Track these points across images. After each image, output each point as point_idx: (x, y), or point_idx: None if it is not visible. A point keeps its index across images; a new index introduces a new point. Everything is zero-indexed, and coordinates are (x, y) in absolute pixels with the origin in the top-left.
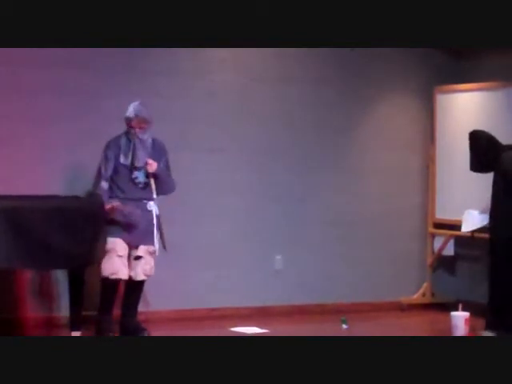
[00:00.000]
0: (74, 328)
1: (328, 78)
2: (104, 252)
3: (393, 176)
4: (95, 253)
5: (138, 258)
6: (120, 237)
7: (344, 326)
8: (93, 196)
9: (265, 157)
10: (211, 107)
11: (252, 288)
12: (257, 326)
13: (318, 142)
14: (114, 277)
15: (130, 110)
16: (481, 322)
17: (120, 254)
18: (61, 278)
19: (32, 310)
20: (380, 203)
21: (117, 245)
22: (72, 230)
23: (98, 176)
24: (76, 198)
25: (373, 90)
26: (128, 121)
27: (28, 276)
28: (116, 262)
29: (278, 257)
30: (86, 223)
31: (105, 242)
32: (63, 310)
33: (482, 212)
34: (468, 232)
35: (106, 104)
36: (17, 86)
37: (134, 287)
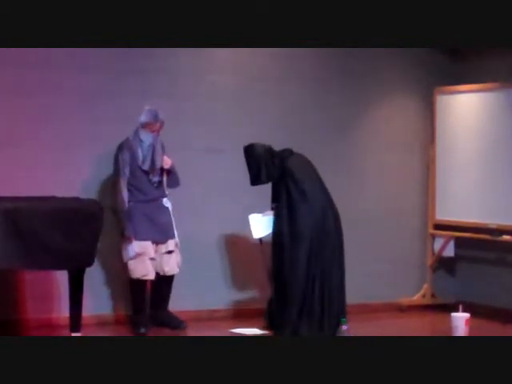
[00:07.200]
0: (74, 329)
1: (327, 78)
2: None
3: (393, 176)
4: (95, 253)
5: (170, 252)
6: (149, 239)
7: (343, 327)
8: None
9: None
10: (211, 107)
11: (252, 289)
12: (257, 328)
13: (318, 142)
14: (145, 278)
15: (150, 115)
16: (481, 323)
17: (152, 256)
18: (60, 279)
19: (32, 312)
20: (380, 204)
21: (147, 248)
22: (72, 230)
23: (118, 179)
24: (75, 198)
25: (372, 90)
26: (148, 125)
27: (28, 277)
28: (148, 264)
29: None
30: (86, 224)
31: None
32: (63, 311)
33: (265, 215)
34: (257, 239)
35: (106, 104)
36: (17, 86)
37: (168, 281)
